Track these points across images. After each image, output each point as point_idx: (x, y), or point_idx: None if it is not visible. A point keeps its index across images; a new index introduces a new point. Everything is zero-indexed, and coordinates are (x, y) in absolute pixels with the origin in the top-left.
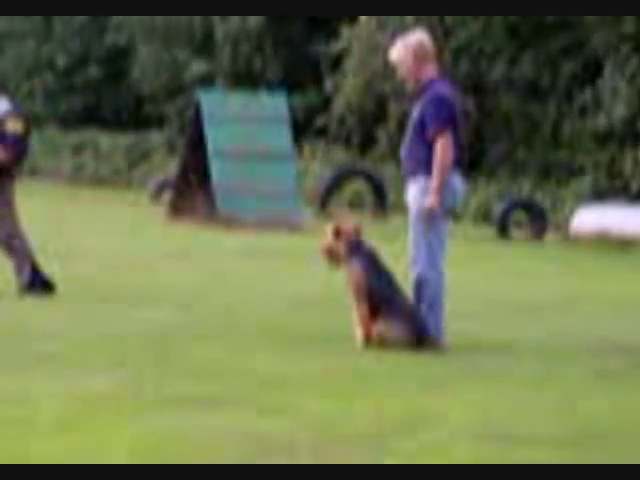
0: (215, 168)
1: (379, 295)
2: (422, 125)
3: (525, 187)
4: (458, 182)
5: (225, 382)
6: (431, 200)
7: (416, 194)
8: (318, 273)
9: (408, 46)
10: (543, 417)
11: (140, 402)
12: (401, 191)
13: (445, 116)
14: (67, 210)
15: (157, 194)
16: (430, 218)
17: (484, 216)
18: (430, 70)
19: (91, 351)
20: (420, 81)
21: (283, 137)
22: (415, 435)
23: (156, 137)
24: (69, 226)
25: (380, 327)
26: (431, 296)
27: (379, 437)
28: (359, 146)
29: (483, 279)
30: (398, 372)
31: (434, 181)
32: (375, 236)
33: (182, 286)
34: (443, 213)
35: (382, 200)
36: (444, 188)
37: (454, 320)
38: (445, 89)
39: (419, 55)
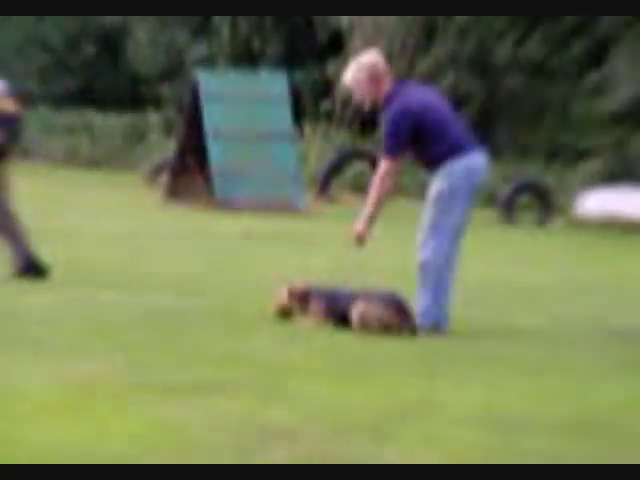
0: (213, 149)
1: (345, 303)
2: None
3: (531, 170)
4: (479, 160)
5: (224, 369)
6: (359, 226)
7: (437, 177)
8: (319, 257)
9: (362, 68)
10: (546, 405)
11: (136, 388)
12: (405, 173)
13: (393, 142)
14: (61, 192)
15: (154, 176)
16: (448, 200)
17: (489, 199)
18: (386, 85)
19: (85, 336)
20: (379, 100)
21: (284, 117)
22: (415, 423)
23: (153, 118)
24: (63, 208)
25: (360, 308)
26: (434, 281)
27: (378, 425)
28: (361, 128)
29: (486, 264)
30: (396, 358)
31: (367, 208)
32: (378, 220)
33: (179, 270)
34: (463, 196)
35: None
36: (376, 218)
37: (455, 306)
38: (404, 98)
39: (374, 76)
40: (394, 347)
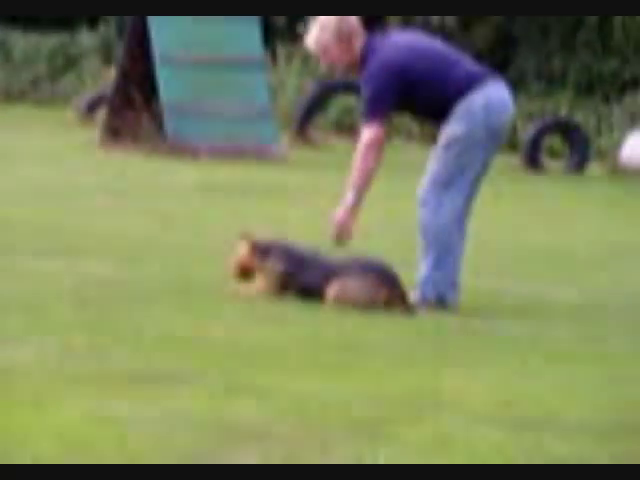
0: (163, 79)
1: (314, 277)
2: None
3: (562, 105)
4: (499, 92)
5: (177, 355)
6: (341, 215)
7: (450, 121)
8: (292, 216)
9: (326, 28)
10: (583, 400)
11: (68, 379)
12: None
13: (376, 104)
14: None
15: (89, 113)
16: (464, 147)
17: (509, 142)
18: (359, 42)
19: (4, 315)
20: (353, 62)
21: (251, 39)
22: (419, 421)
23: (87, 38)
24: None
25: (335, 288)
26: (438, 246)
27: (373, 424)
28: None
29: (507, 223)
30: (392, 341)
31: (349, 192)
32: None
33: (121, 233)
34: (483, 141)
35: None
36: (361, 202)
37: (470, 276)
38: (383, 50)
39: (343, 35)
40: (390, 327)
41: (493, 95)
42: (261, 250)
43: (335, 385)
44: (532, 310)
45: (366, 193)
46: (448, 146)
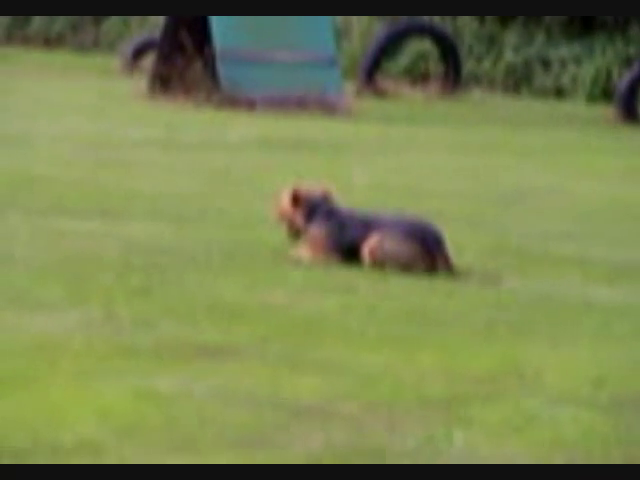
0: (217, 23)
1: (356, 233)
2: None
3: None
4: None
5: (232, 326)
6: None
7: None
8: (359, 173)
9: None
10: None
11: (112, 353)
12: (482, 57)
13: None
14: (6, 81)
15: (135, 60)
16: None
17: (603, 91)
18: None
19: (45, 280)
20: None
21: None
22: (498, 401)
23: None
24: (6, 105)
25: (371, 242)
26: None
27: (446, 405)
28: None
29: (598, 180)
30: (473, 312)
31: None
32: (442, 118)
33: (170, 192)
34: None
35: (455, 68)
36: None
37: (556, 239)
38: None
39: None
40: (467, 296)
41: None
42: (307, 211)
43: (406, 360)
44: (627, 277)
45: None
46: None
